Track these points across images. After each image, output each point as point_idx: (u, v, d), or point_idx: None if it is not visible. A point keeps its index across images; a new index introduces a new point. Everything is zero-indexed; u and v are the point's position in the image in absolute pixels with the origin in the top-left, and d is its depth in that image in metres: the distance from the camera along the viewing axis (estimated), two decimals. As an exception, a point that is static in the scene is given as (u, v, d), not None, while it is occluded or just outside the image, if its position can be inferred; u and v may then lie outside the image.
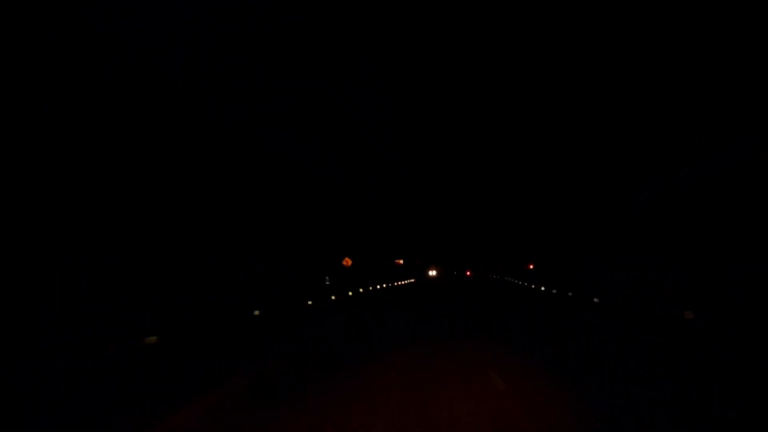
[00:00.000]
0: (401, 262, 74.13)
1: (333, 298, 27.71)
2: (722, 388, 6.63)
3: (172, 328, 12.44)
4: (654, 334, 12.07)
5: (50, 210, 14.92)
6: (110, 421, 5.58)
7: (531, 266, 76.24)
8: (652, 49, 26.40)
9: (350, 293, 32.21)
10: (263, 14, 29.42)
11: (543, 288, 37.38)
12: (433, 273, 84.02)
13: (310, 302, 23.70)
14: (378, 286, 44.52)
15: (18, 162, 14.06)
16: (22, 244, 13.76)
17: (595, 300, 23.14)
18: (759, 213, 19.45)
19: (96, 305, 15.42)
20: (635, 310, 18.48)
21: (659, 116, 27.43)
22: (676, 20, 24.36)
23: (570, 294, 28.68)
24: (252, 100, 30.67)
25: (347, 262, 42.89)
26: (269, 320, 16.54)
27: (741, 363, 8.35)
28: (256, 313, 17.38)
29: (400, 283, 59.26)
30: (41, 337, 9.74)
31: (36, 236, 14.23)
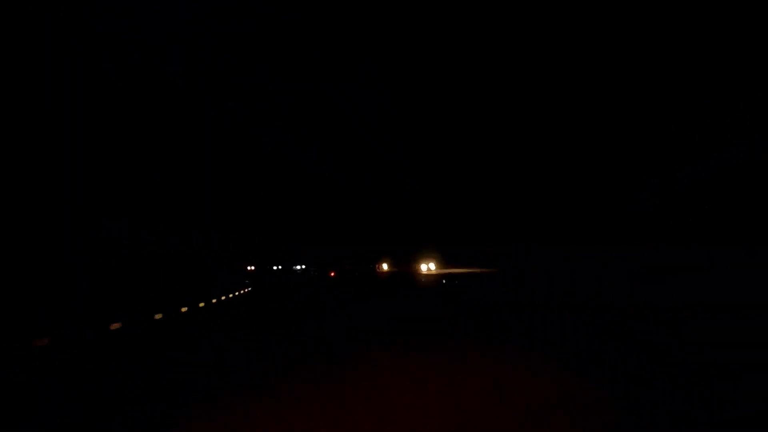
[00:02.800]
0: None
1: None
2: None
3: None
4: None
5: (51, 210, 14.94)
6: (110, 422, 5.58)
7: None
8: (652, 49, 26.41)
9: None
10: (263, 14, 29.43)
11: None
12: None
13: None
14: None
15: (18, 162, 14.07)
16: (23, 245, 13.77)
17: None
18: (759, 213, 19.47)
19: (96, 305, 15.43)
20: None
21: (659, 116, 27.44)
22: (676, 20, 24.36)
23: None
24: (252, 100, 30.74)
25: None
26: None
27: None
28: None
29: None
30: (41, 337, 9.76)
31: (36, 236, 14.24)
